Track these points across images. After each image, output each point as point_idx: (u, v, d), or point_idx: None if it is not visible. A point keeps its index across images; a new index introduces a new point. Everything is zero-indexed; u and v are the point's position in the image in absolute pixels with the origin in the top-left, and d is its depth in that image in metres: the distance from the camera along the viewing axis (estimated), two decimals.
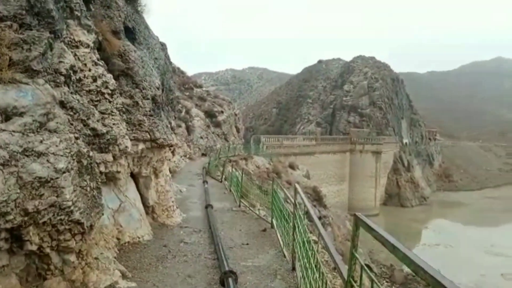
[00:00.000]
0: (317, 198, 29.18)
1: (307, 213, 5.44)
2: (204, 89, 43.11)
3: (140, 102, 6.44)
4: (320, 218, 27.45)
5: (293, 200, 6.01)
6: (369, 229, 2.32)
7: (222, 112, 35.62)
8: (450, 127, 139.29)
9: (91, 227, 4.06)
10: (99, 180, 4.62)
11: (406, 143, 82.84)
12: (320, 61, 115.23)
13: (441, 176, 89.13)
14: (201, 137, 28.52)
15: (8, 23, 3.74)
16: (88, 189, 4.11)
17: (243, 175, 12.32)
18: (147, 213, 7.64)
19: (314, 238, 5.40)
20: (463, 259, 39.51)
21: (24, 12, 3.87)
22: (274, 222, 8.16)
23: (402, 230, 53.02)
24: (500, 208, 66.96)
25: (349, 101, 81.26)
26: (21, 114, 3.52)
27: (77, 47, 4.83)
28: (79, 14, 4.87)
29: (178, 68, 41.17)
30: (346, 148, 61.94)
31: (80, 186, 3.93)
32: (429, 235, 50.18)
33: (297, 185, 6.36)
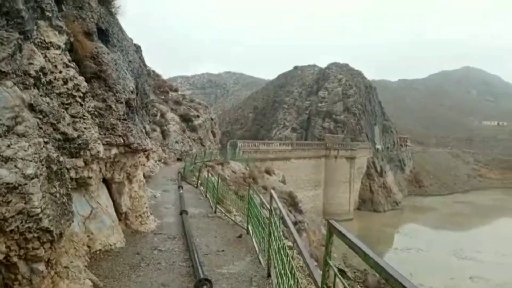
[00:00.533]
0: (292, 203, 29.38)
1: (282, 218, 5.46)
2: (179, 93, 42.69)
3: (113, 106, 6.29)
4: (295, 223, 27.66)
5: (268, 206, 6.02)
6: (342, 236, 2.35)
7: (198, 116, 35.34)
8: (420, 133, 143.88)
9: (61, 235, 3.91)
10: (70, 186, 4.46)
11: (378, 149, 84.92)
12: (296, 67, 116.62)
13: (412, 182, 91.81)
14: (177, 142, 28.17)
15: None
16: (58, 195, 3.97)
17: (219, 181, 12.24)
18: (119, 219, 7.45)
19: (290, 244, 5.42)
20: (434, 263, 40.74)
21: None
22: (250, 228, 8.14)
23: (375, 235, 54.17)
24: (468, 213, 69.65)
25: (324, 107, 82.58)
26: None
27: (47, 48, 4.67)
28: (50, 15, 4.72)
29: (153, 71, 40.62)
30: (321, 154, 62.82)
31: (49, 193, 3.79)
32: (401, 240, 51.48)
33: (272, 191, 6.38)
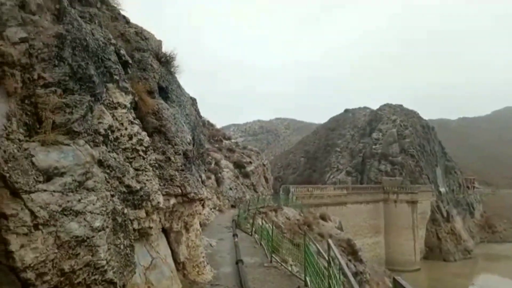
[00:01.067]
0: (352, 252, 27.85)
1: (341, 270, 5.16)
2: (232, 140, 43.91)
3: (172, 158, 6.59)
4: (356, 274, 25.98)
5: (326, 257, 5.75)
6: None
7: (250, 162, 35.81)
8: (487, 174, 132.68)
9: (124, 286, 4.00)
10: (133, 237, 4.63)
11: (442, 191, 79.25)
12: (346, 110, 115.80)
13: (484, 227, 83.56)
14: (231, 189, 28.52)
15: (53, 89, 4.02)
16: (122, 247, 4.12)
17: (274, 228, 12.04)
18: (177, 269, 7.49)
19: None
20: None
21: (67, 78, 4.16)
22: (308, 279, 7.77)
23: (446, 287, 49.10)
24: None
25: (378, 149, 79.95)
26: (61, 174, 3.66)
27: (115, 108, 5.10)
28: (117, 78, 5.20)
29: (208, 121, 42.43)
30: (379, 198, 59.84)
31: (114, 244, 3.94)
32: None
33: (329, 240, 6.12)
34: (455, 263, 61.70)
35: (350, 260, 26.26)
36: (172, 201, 6.76)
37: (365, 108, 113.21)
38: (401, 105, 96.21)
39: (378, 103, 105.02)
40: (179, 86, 8.34)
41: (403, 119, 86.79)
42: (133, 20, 7.90)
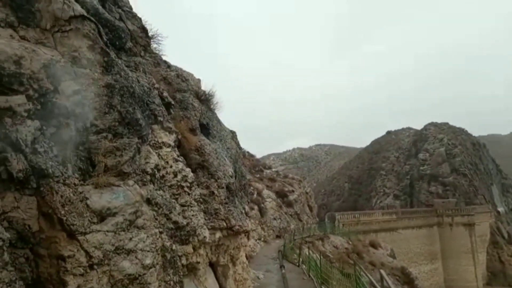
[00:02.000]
0: (407, 281, 26.27)
1: None
2: (273, 169, 43.89)
3: (215, 192, 6.71)
4: None
5: None
6: None
7: (293, 191, 35.43)
8: None
9: None
10: (181, 273, 4.70)
11: (501, 211, 73.48)
12: (389, 132, 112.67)
13: None
14: (274, 219, 28.24)
15: (104, 134, 4.31)
16: (172, 283, 4.19)
17: (321, 258, 11.70)
18: None
19: None
20: None
21: (117, 123, 4.45)
22: None
23: None
24: None
25: (427, 170, 76.33)
26: (113, 214, 3.85)
27: (160, 147, 5.35)
28: (161, 119, 5.49)
29: (248, 152, 42.91)
30: (433, 222, 56.49)
31: (164, 281, 4.03)
32: None
33: (382, 271, 5.85)
34: None
35: None
36: (218, 234, 6.83)
37: (408, 128, 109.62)
38: (447, 123, 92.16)
39: (421, 123, 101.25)
40: (219, 121, 8.61)
41: (450, 137, 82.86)
42: (175, 62, 8.39)
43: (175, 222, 4.97)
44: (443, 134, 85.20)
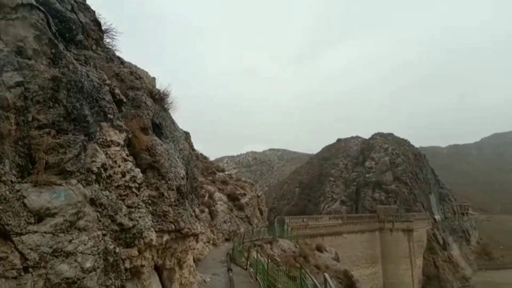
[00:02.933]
0: (349, 283, 27.33)
1: None
2: (226, 172, 43.75)
3: (165, 193, 6.57)
4: None
5: None
6: None
7: (244, 194, 35.53)
8: (482, 200, 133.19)
9: None
10: (124, 277, 4.55)
11: (437, 219, 78.92)
12: (339, 140, 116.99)
13: (481, 254, 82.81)
14: (225, 222, 28.13)
15: (47, 130, 4.07)
16: (113, 287, 4.05)
17: (269, 262, 11.85)
18: None
19: None
20: None
21: (62, 119, 4.23)
22: None
23: None
24: None
25: (372, 178, 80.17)
26: (53, 215, 3.65)
27: (108, 146, 5.15)
28: (111, 117, 5.29)
29: (201, 154, 42.43)
30: (375, 227, 59.35)
31: (105, 285, 3.88)
32: None
33: (326, 274, 6.06)
34: None
35: None
36: (165, 237, 6.68)
37: (357, 137, 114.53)
38: (392, 134, 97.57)
39: (369, 133, 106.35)
40: (172, 121, 8.45)
41: (394, 147, 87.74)
42: (130, 59, 8.13)
43: (120, 224, 4.80)
44: (388, 144, 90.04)
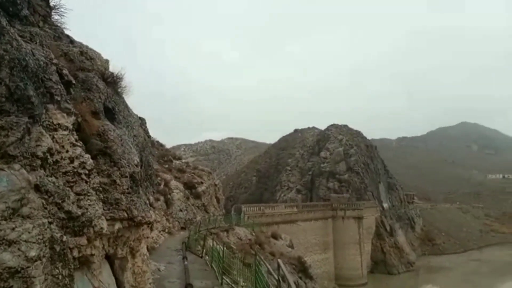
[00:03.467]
0: (302, 269, 28.20)
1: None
2: (183, 160, 43.14)
3: (118, 181, 6.36)
4: None
5: (276, 277, 5.82)
6: None
7: (201, 183, 35.31)
8: (426, 190, 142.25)
9: None
10: (72, 266, 4.38)
11: (385, 207, 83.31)
12: (296, 130, 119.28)
13: (424, 240, 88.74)
14: (181, 210, 27.83)
15: None
16: (60, 277, 3.88)
17: (224, 249, 11.93)
18: None
19: None
20: None
21: (4, 99, 3.94)
22: None
23: None
24: (486, 271, 66.28)
25: (326, 168, 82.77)
26: None
27: (55, 130, 4.88)
28: (59, 99, 5.00)
29: (157, 141, 41.47)
30: (328, 215, 61.61)
31: (52, 275, 3.71)
32: None
33: (279, 260, 6.21)
34: (399, 275, 64.64)
35: (300, 278, 26.55)
36: (117, 226, 6.49)
37: (313, 128, 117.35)
38: (346, 126, 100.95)
39: (325, 124, 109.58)
40: (126, 106, 8.15)
41: (348, 138, 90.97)
42: (82, 39, 7.70)
43: (68, 212, 4.59)
44: (343, 135, 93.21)
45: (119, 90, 7.50)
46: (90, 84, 6.41)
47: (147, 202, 7.88)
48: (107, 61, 8.49)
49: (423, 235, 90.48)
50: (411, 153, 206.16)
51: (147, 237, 9.10)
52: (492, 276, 62.87)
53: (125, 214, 6.39)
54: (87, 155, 5.42)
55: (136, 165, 6.97)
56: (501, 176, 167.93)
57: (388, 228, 74.37)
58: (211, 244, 15.04)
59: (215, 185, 40.99)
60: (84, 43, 8.00)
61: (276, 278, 5.85)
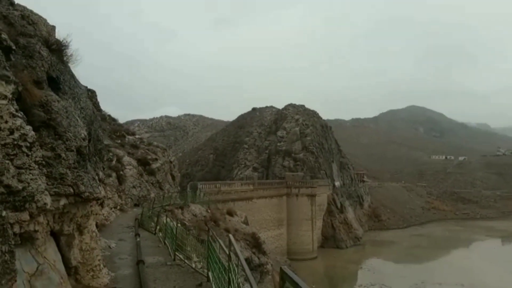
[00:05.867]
0: (256, 245, 28.92)
1: (241, 264, 5.37)
2: (137, 136, 41.88)
3: (63, 154, 6.06)
4: (259, 266, 27.06)
5: (227, 252, 5.92)
6: (294, 285, 2.35)
7: (156, 159, 34.62)
8: (375, 169, 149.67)
9: None
10: (13, 242, 4.18)
11: (337, 185, 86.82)
12: (254, 109, 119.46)
13: (371, 216, 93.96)
14: (134, 187, 27.22)
15: None
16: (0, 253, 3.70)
17: (178, 226, 11.90)
18: (69, 274, 6.95)
19: None
20: None
21: None
22: (211, 275, 7.89)
23: (340, 272, 54.11)
24: (426, 245, 71.88)
25: (283, 147, 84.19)
26: None
27: None
28: None
29: (109, 116, 39.83)
30: (283, 192, 63.15)
31: None
32: (365, 275, 51.74)
33: (231, 236, 6.31)
34: (347, 250, 68.36)
35: (254, 253, 27.27)
36: (63, 201, 6.23)
37: (271, 107, 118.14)
38: (303, 106, 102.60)
39: (283, 103, 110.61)
40: (73, 76, 7.69)
41: (305, 118, 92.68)
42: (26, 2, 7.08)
43: (8, 186, 4.34)
44: (299, 115, 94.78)
45: (64, 58, 7.04)
46: (32, 51, 5.97)
47: (96, 178, 7.63)
48: (53, 28, 7.92)
49: (371, 211, 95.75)
50: (363, 134, 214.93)
51: (96, 214, 8.86)
52: (431, 249, 68.44)
53: (71, 190, 6.14)
54: (29, 127, 5.10)
55: (83, 139, 6.68)
56: (443, 157, 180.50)
57: (338, 205, 77.79)
58: (165, 221, 14.93)
59: (171, 162, 40.40)
60: (29, 7, 7.38)
61: (227, 253, 5.95)
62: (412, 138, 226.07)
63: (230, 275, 5.57)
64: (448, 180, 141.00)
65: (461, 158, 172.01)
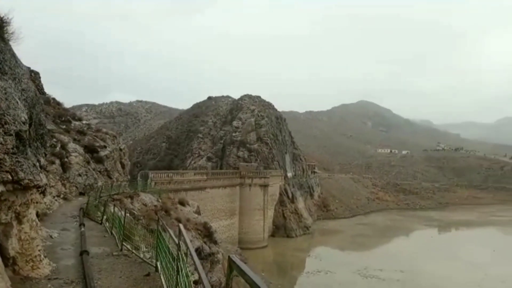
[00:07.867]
0: (207, 234, 28.90)
1: (189, 253, 5.36)
2: (84, 122, 39.82)
3: (0, 139, 5.67)
4: (210, 255, 27.12)
5: (177, 241, 5.88)
6: (242, 273, 2.41)
7: (105, 147, 33.19)
8: (326, 161, 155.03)
9: None
10: None
11: (289, 176, 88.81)
12: (210, 98, 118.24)
13: (321, 206, 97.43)
14: (79, 175, 25.95)
15: None
16: None
17: (126, 215, 11.57)
18: (6, 265, 6.55)
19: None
20: (342, 283, 43.23)
21: None
22: (159, 265, 7.80)
23: (289, 260, 55.74)
24: (370, 233, 76.04)
25: (238, 137, 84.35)
26: None
27: None
28: None
29: (54, 99, 37.47)
30: (236, 182, 63.46)
31: None
32: (312, 263, 53.74)
33: (180, 225, 6.27)
34: (296, 238, 70.47)
35: (205, 242, 27.26)
36: (0, 188, 5.84)
37: (227, 97, 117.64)
38: (259, 97, 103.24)
39: (239, 93, 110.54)
40: (13, 56, 7.14)
41: (260, 109, 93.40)
42: None
43: None
44: (255, 106, 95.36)
45: (5, 36, 6.51)
46: None
47: (37, 164, 7.21)
48: None
49: (320, 201, 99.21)
50: (316, 126, 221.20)
51: (37, 202, 8.38)
52: (374, 237, 72.55)
53: (9, 176, 5.77)
54: None
55: (24, 123, 6.27)
56: (388, 150, 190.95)
57: (290, 195, 79.69)
58: (112, 210, 14.45)
59: (120, 149, 38.96)
60: None
61: (177, 242, 5.92)
62: (361, 131, 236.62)
63: (179, 264, 5.55)
64: (392, 172, 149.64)
65: (404, 152, 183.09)
